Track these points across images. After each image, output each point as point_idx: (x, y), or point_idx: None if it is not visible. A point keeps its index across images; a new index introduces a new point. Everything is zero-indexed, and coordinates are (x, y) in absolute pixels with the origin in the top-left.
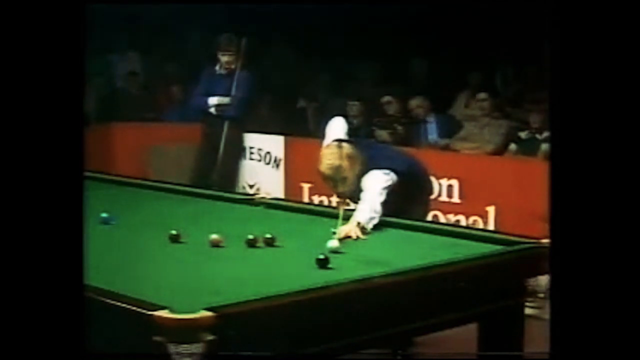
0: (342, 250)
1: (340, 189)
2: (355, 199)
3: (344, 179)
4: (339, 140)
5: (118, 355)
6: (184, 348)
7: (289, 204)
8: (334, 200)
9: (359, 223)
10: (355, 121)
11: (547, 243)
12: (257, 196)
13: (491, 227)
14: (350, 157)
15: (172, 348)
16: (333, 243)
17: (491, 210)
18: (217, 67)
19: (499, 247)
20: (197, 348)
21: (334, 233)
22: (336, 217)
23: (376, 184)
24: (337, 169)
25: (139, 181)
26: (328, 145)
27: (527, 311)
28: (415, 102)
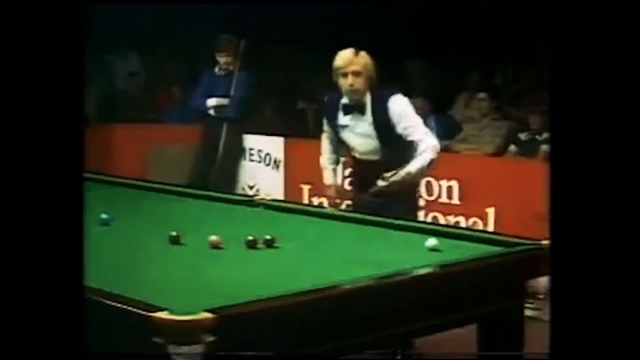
0: (347, 251)
1: (351, 81)
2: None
3: (357, 73)
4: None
5: (118, 356)
6: (184, 349)
7: (289, 205)
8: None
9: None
10: None
11: (547, 244)
12: (256, 197)
13: (491, 228)
14: (366, 66)
15: (172, 349)
16: (431, 241)
17: (491, 211)
18: (216, 69)
19: (498, 249)
20: (197, 349)
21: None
22: (336, 219)
23: (426, 157)
24: (351, 61)
25: (138, 182)
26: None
27: (527, 312)
28: (414, 103)
